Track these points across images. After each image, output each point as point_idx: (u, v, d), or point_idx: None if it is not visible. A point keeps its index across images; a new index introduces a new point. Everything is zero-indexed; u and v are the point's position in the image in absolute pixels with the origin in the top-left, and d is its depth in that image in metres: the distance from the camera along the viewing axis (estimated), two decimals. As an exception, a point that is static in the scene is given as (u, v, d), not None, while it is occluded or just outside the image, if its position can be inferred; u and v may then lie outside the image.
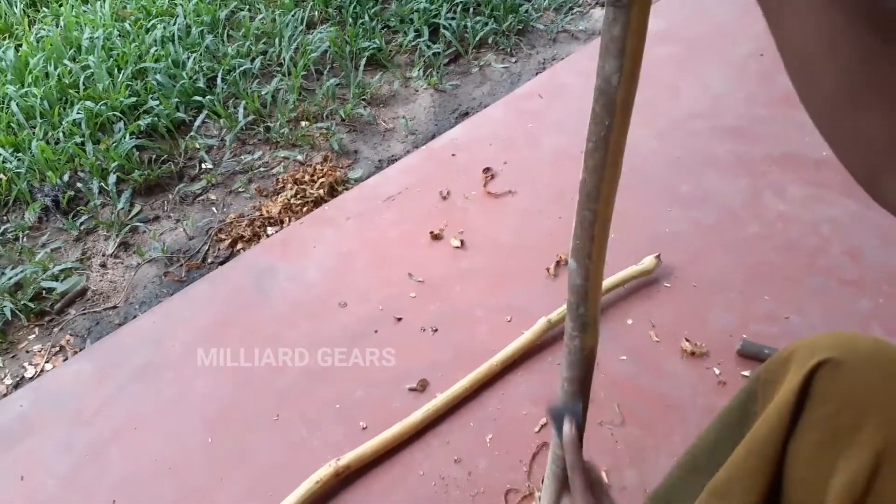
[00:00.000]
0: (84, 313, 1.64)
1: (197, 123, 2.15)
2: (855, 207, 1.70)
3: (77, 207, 1.89)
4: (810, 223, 1.69)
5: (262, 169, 2.04)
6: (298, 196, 1.92)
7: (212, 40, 2.41)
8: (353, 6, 2.64)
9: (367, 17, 2.61)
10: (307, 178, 1.99)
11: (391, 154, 2.11)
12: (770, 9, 0.37)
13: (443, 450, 1.29)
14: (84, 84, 2.20)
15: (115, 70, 2.27)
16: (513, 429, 1.31)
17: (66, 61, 2.28)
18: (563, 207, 1.79)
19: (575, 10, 2.74)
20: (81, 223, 1.84)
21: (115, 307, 1.66)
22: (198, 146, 2.09)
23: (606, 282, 1.51)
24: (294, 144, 2.13)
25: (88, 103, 2.10)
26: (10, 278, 1.65)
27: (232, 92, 2.26)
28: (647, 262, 1.57)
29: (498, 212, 1.81)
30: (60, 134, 2.05)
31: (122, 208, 1.87)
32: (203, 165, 2.05)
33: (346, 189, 1.95)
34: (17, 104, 2.09)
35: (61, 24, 2.52)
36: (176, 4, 2.60)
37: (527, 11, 2.68)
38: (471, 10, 2.65)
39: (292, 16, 2.57)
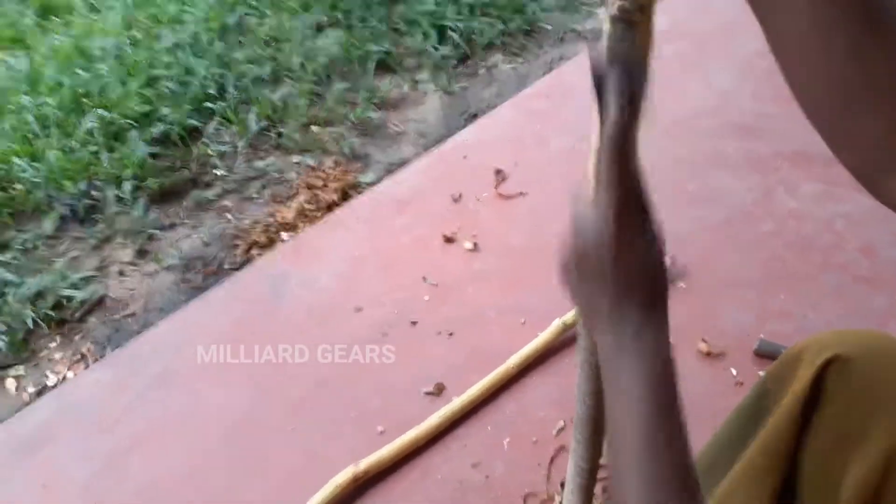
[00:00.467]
0: (104, 321, 1.67)
1: (209, 130, 2.17)
2: (868, 203, 1.69)
3: (94, 216, 1.92)
4: (823, 220, 1.69)
5: (274, 174, 2.06)
6: (311, 201, 1.94)
7: (221, 47, 2.43)
8: (360, 10, 2.65)
9: (374, 21, 2.62)
10: (320, 182, 2.01)
11: (402, 157, 2.13)
12: (762, 8, 0.37)
13: (460, 454, 1.31)
14: (97, 93, 2.22)
15: (127, 78, 2.29)
16: (530, 432, 1.32)
17: (78, 70, 2.30)
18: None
19: (582, 10, 2.74)
20: (98, 231, 1.87)
21: (133, 315, 1.68)
22: (210, 153, 2.11)
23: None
24: (305, 149, 2.14)
25: (102, 112, 2.12)
26: (31, 287, 1.67)
27: (243, 98, 2.28)
28: (660, 262, 1.57)
29: (510, 213, 1.82)
30: (75, 143, 2.07)
31: (139, 216, 1.89)
32: (216, 172, 2.07)
33: (359, 193, 1.97)
34: (32, 114, 2.12)
35: (73, 33, 2.54)
36: (185, 11, 2.62)
37: (534, 12, 2.68)
38: (478, 11, 2.65)
39: (300, 21, 2.58)
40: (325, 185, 2.00)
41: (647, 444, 0.47)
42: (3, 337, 1.58)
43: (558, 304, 1.51)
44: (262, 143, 2.18)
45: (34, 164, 1.98)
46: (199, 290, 1.72)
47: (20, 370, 1.56)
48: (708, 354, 1.41)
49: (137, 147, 2.04)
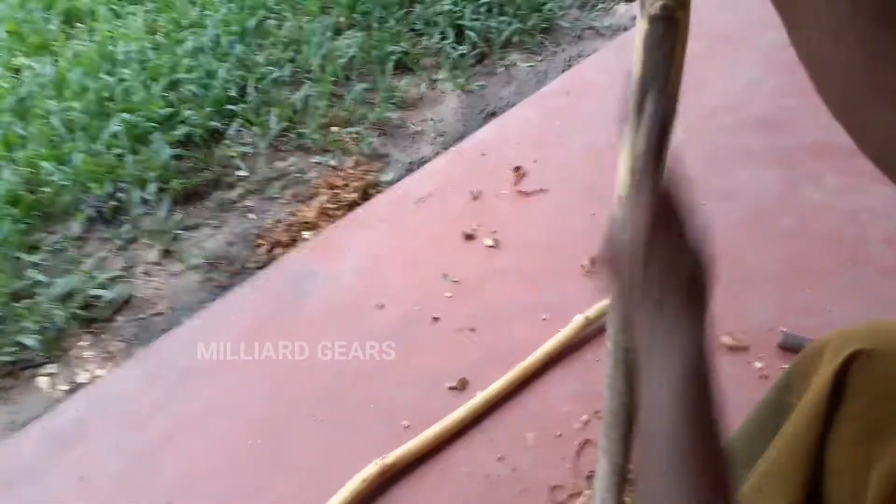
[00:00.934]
0: (131, 320, 1.70)
1: (231, 132, 2.20)
2: (893, 195, 1.68)
3: (120, 217, 1.95)
4: (847, 212, 1.68)
5: (296, 175, 2.08)
6: (333, 200, 1.96)
7: (241, 50, 2.46)
8: (378, 11, 2.67)
9: (392, 22, 2.64)
10: (340, 182, 2.03)
11: (421, 156, 2.14)
12: (784, 5, 0.38)
13: (485, 447, 1.32)
14: (121, 97, 2.26)
15: (150, 82, 2.32)
16: (554, 426, 1.33)
17: (102, 75, 2.34)
18: (595, 204, 1.80)
19: (599, 7, 2.74)
20: (125, 232, 1.90)
21: (160, 314, 1.71)
22: (233, 154, 2.14)
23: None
24: (326, 150, 2.16)
25: (126, 115, 2.16)
26: (60, 287, 1.71)
27: (263, 100, 2.30)
28: (682, 256, 1.57)
29: (530, 210, 1.83)
30: (101, 146, 2.10)
31: (164, 217, 1.92)
32: (238, 173, 2.09)
33: (379, 192, 1.98)
34: (59, 118, 2.16)
35: (96, 38, 2.58)
36: (205, 16, 2.65)
37: (551, 10, 2.69)
38: (495, 10, 2.66)
39: (319, 23, 2.60)
40: (346, 185, 2.02)
41: (674, 447, 0.46)
42: (37, 336, 1.61)
43: (580, 300, 1.52)
44: (283, 143, 2.20)
45: (61, 167, 2.02)
46: (223, 288, 1.75)
47: (52, 368, 1.59)
48: (732, 348, 1.41)
49: (161, 149, 2.07)
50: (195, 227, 1.94)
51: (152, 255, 1.86)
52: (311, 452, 1.35)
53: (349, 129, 2.23)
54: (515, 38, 2.58)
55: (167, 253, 1.86)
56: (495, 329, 1.53)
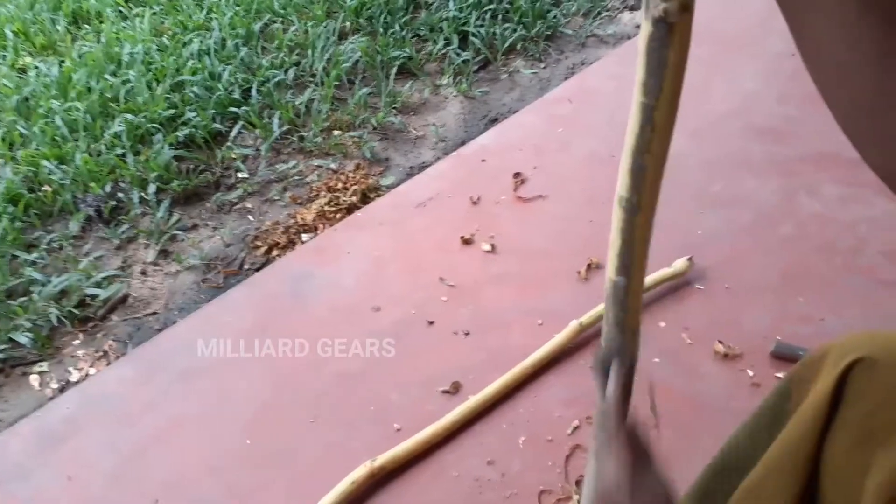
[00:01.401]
0: (125, 319, 1.69)
1: (233, 134, 2.21)
2: (892, 206, 1.67)
3: (118, 217, 1.95)
4: (846, 223, 1.67)
5: (296, 177, 2.09)
6: (332, 203, 1.96)
7: (246, 52, 2.47)
8: (383, 16, 2.68)
9: (397, 27, 2.64)
10: (340, 185, 2.03)
11: (422, 161, 2.14)
12: (793, 10, 0.37)
13: (476, 451, 1.30)
14: (125, 98, 2.27)
15: (154, 83, 2.34)
16: (545, 431, 1.32)
17: (107, 76, 2.36)
18: (594, 211, 1.79)
19: (603, 15, 2.74)
20: (123, 232, 1.90)
21: (155, 313, 1.71)
22: (234, 156, 2.14)
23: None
24: (327, 153, 2.17)
25: (129, 116, 2.17)
26: (56, 286, 1.71)
27: (266, 103, 2.31)
28: (680, 264, 1.56)
29: (528, 216, 1.82)
30: (102, 146, 2.11)
31: (162, 217, 1.93)
32: (239, 175, 2.10)
33: (379, 196, 1.98)
34: (62, 118, 2.17)
35: (102, 40, 2.60)
36: (212, 18, 2.67)
37: (555, 17, 2.69)
38: (500, 17, 2.67)
39: (324, 27, 2.61)
40: (346, 188, 2.02)
41: None
42: (28, 334, 1.61)
43: (574, 306, 1.51)
44: (285, 146, 2.20)
45: (62, 166, 2.03)
46: (219, 289, 1.75)
47: (44, 366, 1.59)
48: (725, 356, 1.40)
49: (162, 150, 2.07)
50: (193, 228, 1.94)
51: (149, 255, 1.86)
52: (304, 453, 1.34)
53: (351, 133, 2.23)
54: (519, 45, 2.59)
55: (164, 253, 1.86)
56: (490, 333, 1.52)
